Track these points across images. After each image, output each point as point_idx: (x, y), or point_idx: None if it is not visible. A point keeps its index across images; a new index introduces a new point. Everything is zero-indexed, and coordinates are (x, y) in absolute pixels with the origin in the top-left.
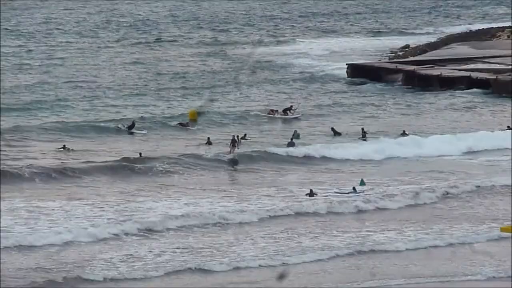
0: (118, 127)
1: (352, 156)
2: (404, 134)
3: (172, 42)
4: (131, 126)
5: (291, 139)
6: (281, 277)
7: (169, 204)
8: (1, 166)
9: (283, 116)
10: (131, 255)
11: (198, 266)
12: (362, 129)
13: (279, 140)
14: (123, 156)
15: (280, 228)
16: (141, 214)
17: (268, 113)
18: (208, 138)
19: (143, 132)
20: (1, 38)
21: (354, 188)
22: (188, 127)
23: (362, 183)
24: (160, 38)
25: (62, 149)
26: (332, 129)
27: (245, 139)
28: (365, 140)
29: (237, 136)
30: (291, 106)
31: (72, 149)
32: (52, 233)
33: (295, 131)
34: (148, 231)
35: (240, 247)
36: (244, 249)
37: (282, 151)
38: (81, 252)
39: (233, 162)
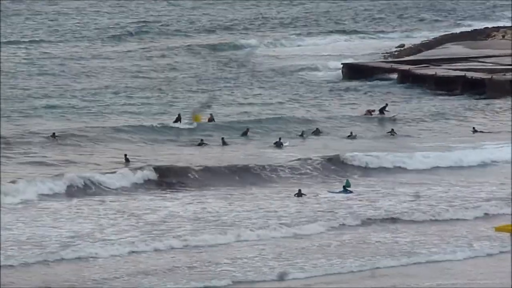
0: (174, 122)
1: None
2: (392, 132)
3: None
4: (178, 119)
5: (280, 138)
6: (281, 277)
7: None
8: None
9: (380, 115)
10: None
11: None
12: (351, 133)
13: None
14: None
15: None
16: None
17: (365, 114)
18: (202, 139)
19: (191, 126)
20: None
21: (344, 187)
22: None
23: (348, 183)
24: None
25: (51, 137)
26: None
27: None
28: (354, 138)
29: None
30: (387, 104)
31: (59, 137)
32: None
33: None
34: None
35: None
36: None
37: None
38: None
39: None
